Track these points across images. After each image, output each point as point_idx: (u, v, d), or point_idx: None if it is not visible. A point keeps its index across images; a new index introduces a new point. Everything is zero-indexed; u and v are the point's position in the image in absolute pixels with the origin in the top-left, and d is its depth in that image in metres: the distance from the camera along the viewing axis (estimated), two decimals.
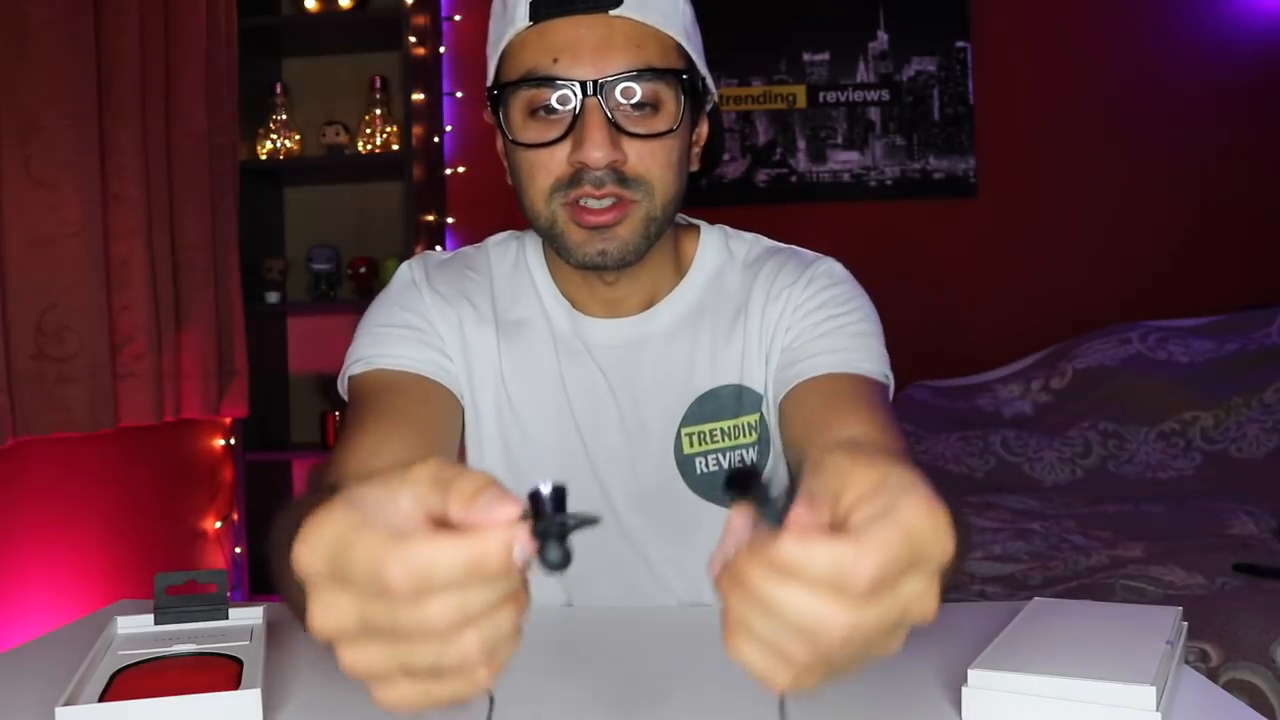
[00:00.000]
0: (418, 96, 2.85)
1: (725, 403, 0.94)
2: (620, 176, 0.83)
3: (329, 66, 3.08)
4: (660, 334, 0.95)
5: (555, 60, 0.81)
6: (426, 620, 0.35)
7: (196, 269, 2.37)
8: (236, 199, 2.54)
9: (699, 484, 0.93)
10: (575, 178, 0.83)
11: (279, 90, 2.95)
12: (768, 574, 0.37)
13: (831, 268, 0.97)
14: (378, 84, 2.93)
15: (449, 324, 0.95)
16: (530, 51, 0.83)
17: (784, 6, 3.09)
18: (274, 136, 2.93)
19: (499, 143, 0.90)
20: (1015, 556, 1.87)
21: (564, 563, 0.36)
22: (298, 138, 2.97)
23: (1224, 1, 3.00)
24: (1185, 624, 0.77)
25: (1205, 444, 2.47)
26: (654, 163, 0.84)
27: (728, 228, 1.02)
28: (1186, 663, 0.75)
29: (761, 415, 0.94)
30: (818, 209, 3.10)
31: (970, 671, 0.65)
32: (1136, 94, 3.03)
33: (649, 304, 0.96)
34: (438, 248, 2.99)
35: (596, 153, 0.80)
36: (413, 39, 2.82)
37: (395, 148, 2.89)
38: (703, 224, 1.01)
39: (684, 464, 0.93)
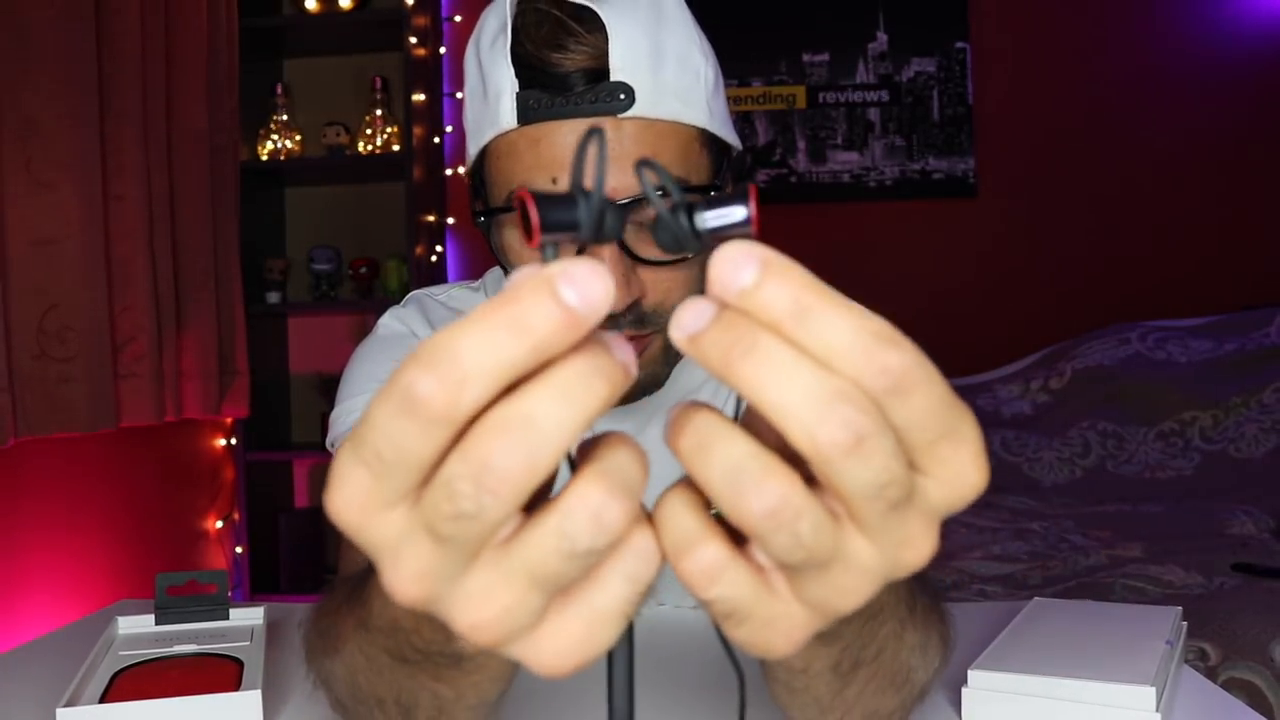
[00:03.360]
0: (418, 97, 2.85)
1: None
2: (638, 315, 0.72)
3: (329, 67, 3.08)
4: (663, 408, 0.84)
5: (554, 180, 0.69)
6: (489, 431, 0.24)
7: (197, 269, 2.37)
8: (237, 199, 2.54)
9: None
10: None
11: (280, 90, 2.95)
12: (747, 327, 0.25)
13: None
14: (378, 84, 2.93)
15: None
16: (522, 165, 0.70)
17: (784, 7, 3.09)
18: (275, 137, 2.93)
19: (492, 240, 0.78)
20: (1015, 556, 1.87)
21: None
22: (298, 138, 2.97)
23: (1223, 2, 3.00)
24: (1185, 624, 0.77)
25: (1204, 444, 2.47)
26: (675, 286, 0.73)
27: None
28: (1186, 662, 0.75)
29: None
30: (817, 210, 3.10)
31: (970, 672, 0.66)
32: (1135, 94, 3.03)
33: None
34: (433, 257, 2.99)
35: None
36: (413, 39, 2.82)
37: (396, 148, 2.89)
38: None
39: None
